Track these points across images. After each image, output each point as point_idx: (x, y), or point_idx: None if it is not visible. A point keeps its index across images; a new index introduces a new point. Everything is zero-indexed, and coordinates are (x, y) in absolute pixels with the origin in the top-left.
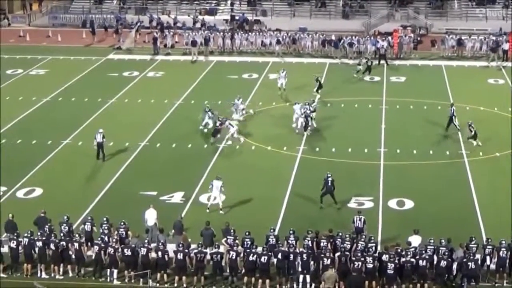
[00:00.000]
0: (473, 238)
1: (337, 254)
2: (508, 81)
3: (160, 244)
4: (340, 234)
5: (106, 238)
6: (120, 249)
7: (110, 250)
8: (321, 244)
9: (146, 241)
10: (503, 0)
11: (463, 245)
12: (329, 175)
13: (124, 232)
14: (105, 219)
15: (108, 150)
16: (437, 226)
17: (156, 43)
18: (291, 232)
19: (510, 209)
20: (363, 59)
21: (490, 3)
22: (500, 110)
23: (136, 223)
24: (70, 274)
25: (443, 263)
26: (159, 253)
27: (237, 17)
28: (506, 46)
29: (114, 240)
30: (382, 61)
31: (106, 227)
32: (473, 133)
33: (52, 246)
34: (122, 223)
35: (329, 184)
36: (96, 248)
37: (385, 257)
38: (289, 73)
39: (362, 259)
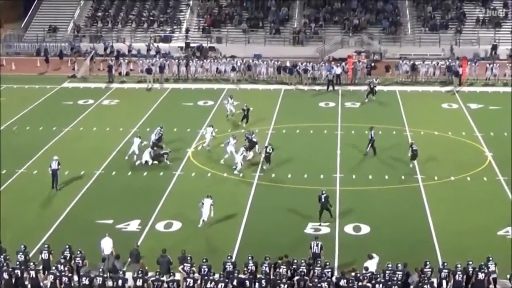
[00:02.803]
0: (428, 262)
1: (296, 278)
2: (462, 106)
3: (121, 272)
4: (295, 260)
5: (61, 267)
6: (75, 278)
7: (65, 279)
8: (279, 270)
9: (100, 269)
10: (456, 25)
11: (418, 269)
12: (323, 192)
13: (80, 261)
14: (67, 246)
15: (63, 179)
16: (394, 250)
17: (111, 71)
18: (249, 258)
19: (466, 233)
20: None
21: (442, 28)
22: (454, 135)
23: (92, 251)
24: None
25: None
26: (120, 281)
27: (192, 45)
28: (459, 71)
29: (66, 268)
30: (331, 87)
31: (67, 255)
32: (412, 153)
33: (5, 275)
34: (78, 252)
35: (323, 200)
36: (51, 277)
37: (343, 283)
38: (244, 100)
39: (319, 285)
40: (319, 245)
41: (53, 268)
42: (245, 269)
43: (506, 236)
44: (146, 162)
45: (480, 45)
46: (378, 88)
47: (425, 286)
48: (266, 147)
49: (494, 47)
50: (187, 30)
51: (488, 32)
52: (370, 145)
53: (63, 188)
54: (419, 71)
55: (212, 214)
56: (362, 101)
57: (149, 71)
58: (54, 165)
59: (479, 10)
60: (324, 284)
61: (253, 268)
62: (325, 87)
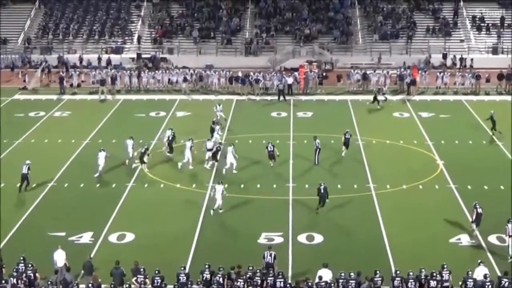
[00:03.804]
0: (377, 271)
1: None
2: (413, 114)
3: (75, 284)
4: (251, 267)
5: (13, 280)
6: None
7: None
8: (230, 281)
9: (49, 282)
10: (406, 35)
11: (368, 278)
12: (322, 183)
13: (32, 274)
14: (21, 258)
15: (16, 191)
16: (347, 259)
17: (62, 83)
18: (206, 266)
19: (418, 241)
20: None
21: (393, 38)
22: (406, 143)
23: (45, 264)
24: None
25: None
26: None
27: (144, 56)
28: (409, 79)
29: (19, 281)
30: (282, 97)
31: (22, 268)
32: (345, 140)
33: None
34: (30, 265)
35: (322, 191)
36: None
37: None
38: (196, 111)
39: None
40: (272, 255)
41: (3, 282)
42: (201, 276)
43: (458, 244)
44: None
45: (430, 53)
46: (330, 97)
47: None
48: (267, 146)
49: (445, 56)
50: (139, 40)
51: (438, 41)
52: (317, 154)
53: (15, 200)
54: (370, 80)
55: (223, 200)
56: (312, 110)
57: (102, 82)
58: (24, 170)
59: (429, 19)
60: None
61: (208, 276)
62: (277, 97)
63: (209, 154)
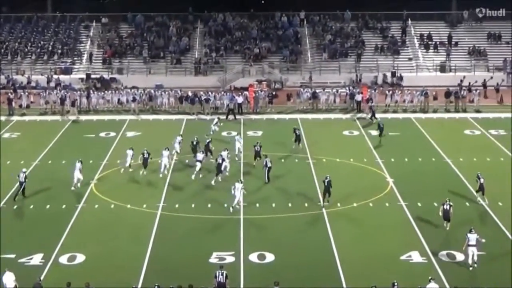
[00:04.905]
0: None
1: None
2: (363, 132)
3: None
4: (203, 287)
5: None
6: None
7: None
8: None
9: None
10: (355, 53)
11: None
12: (327, 177)
13: None
14: None
15: None
16: (299, 278)
17: (11, 104)
18: (156, 286)
19: (369, 259)
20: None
21: (342, 56)
22: (356, 161)
23: None
24: None
25: None
26: None
27: (93, 76)
28: (359, 97)
29: None
30: (232, 116)
31: None
32: (296, 136)
33: None
34: None
35: (326, 184)
36: None
37: None
38: (146, 131)
39: None
40: (224, 274)
41: None
42: None
43: (409, 261)
44: (78, 179)
45: (379, 72)
46: (280, 116)
47: None
48: (255, 145)
49: (393, 74)
50: (90, 59)
51: (387, 59)
52: (267, 172)
53: None
54: (320, 99)
55: (241, 198)
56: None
57: (73, 103)
58: (21, 178)
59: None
60: None
61: None
62: (225, 116)
63: (199, 165)
